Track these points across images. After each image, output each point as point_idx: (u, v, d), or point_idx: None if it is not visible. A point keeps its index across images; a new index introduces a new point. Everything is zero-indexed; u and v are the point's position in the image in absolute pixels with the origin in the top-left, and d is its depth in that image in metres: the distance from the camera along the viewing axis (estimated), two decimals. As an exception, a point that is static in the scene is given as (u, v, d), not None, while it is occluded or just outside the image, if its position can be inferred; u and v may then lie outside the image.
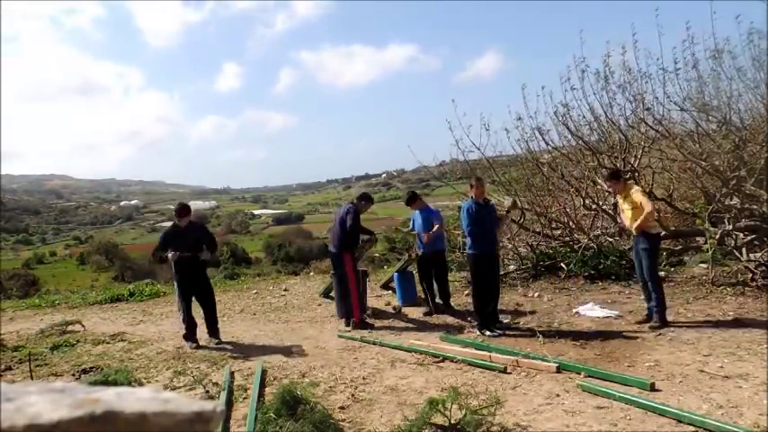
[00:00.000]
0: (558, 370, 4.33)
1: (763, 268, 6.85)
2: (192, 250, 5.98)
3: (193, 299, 6.14)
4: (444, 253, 7.34)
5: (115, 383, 4.09)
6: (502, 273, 8.34)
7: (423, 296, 7.13)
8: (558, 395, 3.90)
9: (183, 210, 6.30)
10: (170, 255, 5.92)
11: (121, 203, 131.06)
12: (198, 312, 6.15)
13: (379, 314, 6.99)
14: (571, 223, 8.90)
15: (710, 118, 7.64)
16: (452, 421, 3.33)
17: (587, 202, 8.59)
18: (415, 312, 6.89)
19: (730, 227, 7.28)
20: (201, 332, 6.13)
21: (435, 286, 6.89)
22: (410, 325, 6.35)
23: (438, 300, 6.88)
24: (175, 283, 6.13)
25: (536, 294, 7.38)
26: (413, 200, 7.07)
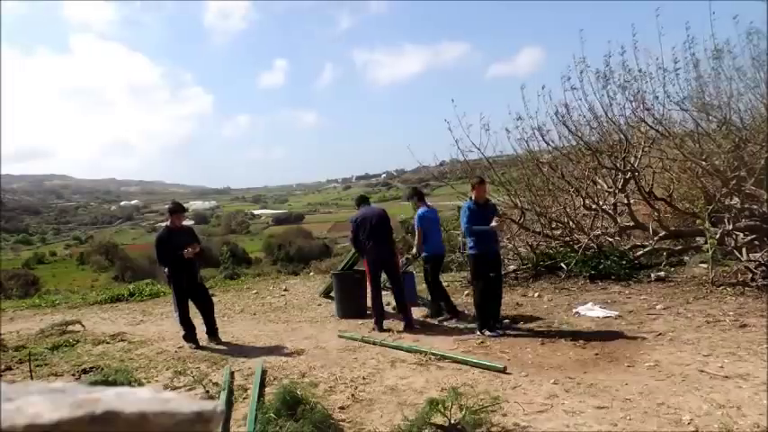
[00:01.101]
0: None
1: (763, 268, 6.85)
2: None
3: (190, 302, 6.12)
4: (442, 255, 7.01)
5: (115, 383, 4.09)
6: (502, 273, 8.35)
7: (426, 297, 7.12)
8: (557, 395, 3.90)
9: (181, 208, 6.26)
10: (186, 251, 5.78)
11: (121, 203, 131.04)
12: (195, 314, 6.14)
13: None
14: (571, 223, 8.91)
15: (710, 118, 7.65)
16: (452, 421, 3.33)
17: (587, 202, 8.60)
18: (415, 312, 6.88)
19: (730, 227, 7.28)
20: (201, 332, 6.13)
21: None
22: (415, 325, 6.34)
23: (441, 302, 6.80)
24: (172, 286, 6.09)
25: (536, 294, 7.38)
26: (411, 198, 6.88)
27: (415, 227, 6.69)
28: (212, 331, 6.12)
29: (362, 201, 6.69)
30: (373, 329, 6.02)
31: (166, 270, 6.01)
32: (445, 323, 6.40)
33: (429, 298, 6.92)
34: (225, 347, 5.93)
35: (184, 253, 5.78)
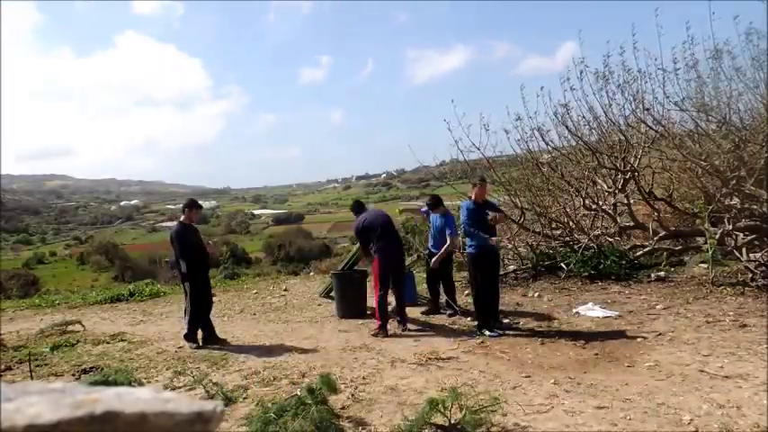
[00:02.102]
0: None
1: (763, 268, 6.85)
2: (201, 248, 5.97)
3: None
4: (452, 254, 7.15)
5: (115, 383, 4.09)
6: (502, 273, 8.34)
7: (426, 295, 7.15)
8: (557, 395, 3.90)
9: (197, 204, 6.22)
10: (209, 244, 5.85)
11: (121, 203, 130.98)
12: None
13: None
14: (571, 223, 8.91)
15: (710, 118, 7.65)
16: (452, 421, 3.33)
17: (587, 202, 8.60)
18: (416, 312, 6.88)
19: (730, 227, 7.28)
20: (202, 332, 6.13)
21: (441, 287, 6.86)
22: (411, 325, 6.34)
23: (442, 300, 6.85)
24: (187, 285, 5.93)
25: (536, 294, 7.38)
26: (436, 206, 6.78)
27: (454, 228, 6.62)
28: (211, 333, 6.08)
29: (360, 206, 6.64)
30: (377, 334, 5.97)
31: (183, 265, 5.86)
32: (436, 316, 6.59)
33: (433, 296, 6.97)
34: (225, 347, 5.92)
35: (207, 246, 5.82)
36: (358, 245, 6.93)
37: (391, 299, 6.33)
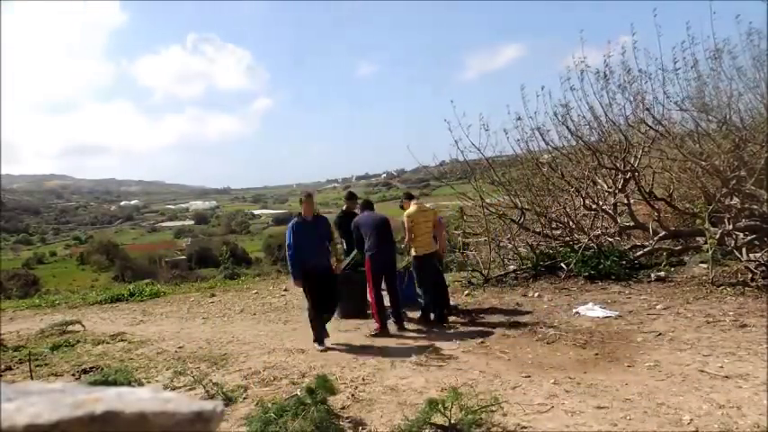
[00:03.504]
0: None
1: (763, 268, 6.85)
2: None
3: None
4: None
5: (115, 383, 4.09)
6: (502, 273, 8.36)
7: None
8: (557, 395, 3.89)
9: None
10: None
11: (121, 203, 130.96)
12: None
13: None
14: (571, 223, 8.91)
15: (710, 118, 7.65)
16: (452, 421, 3.33)
17: (587, 202, 8.60)
18: (415, 312, 6.87)
19: (730, 227, 7.28)
20: (202, 332, 6.13)
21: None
22: (410, 325, 6.34)
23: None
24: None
25: (536, 294, 7.38)
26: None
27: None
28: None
29: (367, 205, 6.75)
30: (377, 334, 5.98)
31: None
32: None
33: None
34: (226, 347, 5.92)
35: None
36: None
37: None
